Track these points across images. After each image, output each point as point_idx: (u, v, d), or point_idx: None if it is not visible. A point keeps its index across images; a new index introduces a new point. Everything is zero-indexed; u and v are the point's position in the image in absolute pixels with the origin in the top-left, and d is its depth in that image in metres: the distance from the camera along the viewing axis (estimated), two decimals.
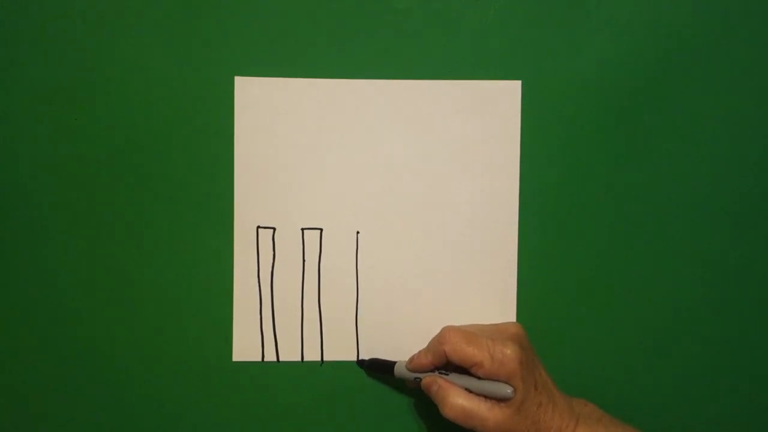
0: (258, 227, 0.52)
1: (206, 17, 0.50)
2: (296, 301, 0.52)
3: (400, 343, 0.52)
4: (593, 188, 0.52)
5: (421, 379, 0.48)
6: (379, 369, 0.51)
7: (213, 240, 0.51)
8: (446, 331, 0.47)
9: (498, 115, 0.52)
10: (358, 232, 0.52)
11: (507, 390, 0.44)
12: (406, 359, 0.50)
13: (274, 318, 0.52)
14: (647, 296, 0.52)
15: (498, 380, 0.45)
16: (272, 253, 0.52)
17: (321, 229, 0.52)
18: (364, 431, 0.52)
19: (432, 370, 0.48)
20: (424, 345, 0.50)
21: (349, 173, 0.52)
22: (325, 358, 0.52)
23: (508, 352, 0.44)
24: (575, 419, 0.46)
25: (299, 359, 0.52)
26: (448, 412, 0.45)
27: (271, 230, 0.52)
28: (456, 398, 0.45)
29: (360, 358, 0.52)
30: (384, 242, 0.52)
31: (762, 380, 0.53)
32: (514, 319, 0.52)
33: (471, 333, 0.47)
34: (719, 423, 0.52)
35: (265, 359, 0.52)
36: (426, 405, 0.52)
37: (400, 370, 0.50)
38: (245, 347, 0.52)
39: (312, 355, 0.52)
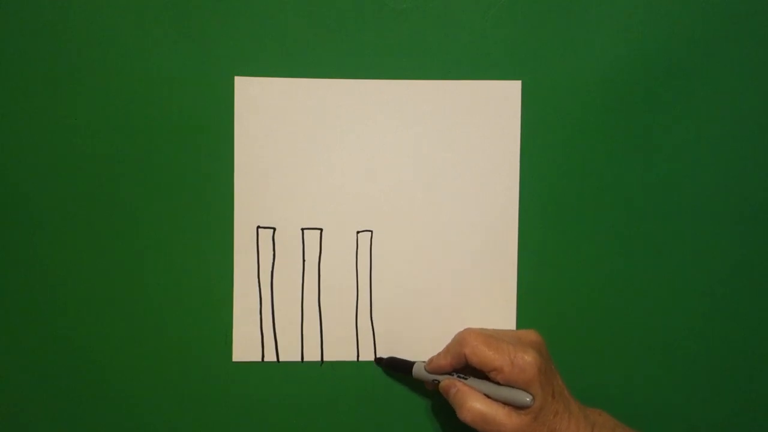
0: (258, 227, 0.52)
1: (206, 17, 0.50)
2: (296, 301, 0.52)
3: (400, 342, 0.52)
4: (593, 188, 0.52)
5: (439, 381, 0.48)
6: (397, 368, 0.51)
7: (213, 240, 0.51)
8: (467, 333, 0.47)
9: (498, 115, 0.52)
10: (358, 232, 0.52)
11: (526, 398, 0.44)
12: (417, 359, 0.49)
13: (274, 318, 0.52)
14: (649, 296, 0.52)
15: (516, 386, 0.45)
16: (272, 253, 0.52)
17: (321, 229, 0.52)
18: (363, 431, 0.52)
19: (450, 373, 0.48)
20: (425, 344, 0.50)
21: (349, 173, 0.52)
22: (325, 359, 0.52)
23: (529, 359, 0.44)
24: (590, 428, 0.46)
25: (299, 359, 0.52)
26: (466, 415, 0.45)
27: (271, 230, 0.52)
28: (474, 402, 0.45)
29: (378, 356, 0.52)
30: (384, 242, 0.52)
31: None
32: (514, 320, 0.52)
33: (492, 337, 0.46)
34: (728, 425, 0.52)
35: (265, 359, 0.52)
36: (425, 406, 0.52)
37: (418, 371, 0.50)
38: (245, 347, 0.52)
39: (312, 355, 0.52)
